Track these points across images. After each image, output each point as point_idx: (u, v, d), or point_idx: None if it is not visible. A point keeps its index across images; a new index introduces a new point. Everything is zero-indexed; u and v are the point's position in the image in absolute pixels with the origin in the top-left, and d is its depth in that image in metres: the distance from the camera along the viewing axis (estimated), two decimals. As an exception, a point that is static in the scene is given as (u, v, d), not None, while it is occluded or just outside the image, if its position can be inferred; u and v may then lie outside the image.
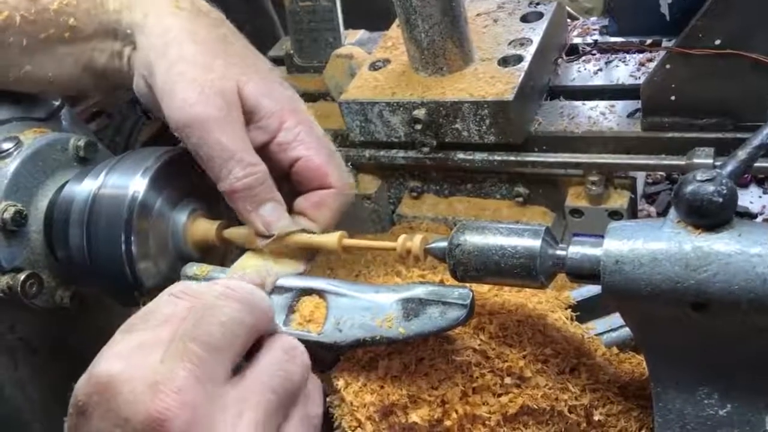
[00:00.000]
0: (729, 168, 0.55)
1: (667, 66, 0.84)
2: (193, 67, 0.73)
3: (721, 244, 0.53)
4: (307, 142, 0.77)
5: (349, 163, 1.06)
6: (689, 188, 0.53)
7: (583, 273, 0.60)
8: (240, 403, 0.55)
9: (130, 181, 0.73)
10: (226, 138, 0.71)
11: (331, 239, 0.72)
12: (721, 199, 0.53)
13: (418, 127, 0.96)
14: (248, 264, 0.74)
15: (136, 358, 0.55)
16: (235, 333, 0.57)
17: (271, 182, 0.73)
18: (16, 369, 0.83)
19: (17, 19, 0.77)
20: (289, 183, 0.78)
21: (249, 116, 0.74)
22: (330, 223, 0.78)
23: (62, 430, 0.89)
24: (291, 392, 0.59)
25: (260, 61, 0.80)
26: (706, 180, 0.53)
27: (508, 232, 0.63)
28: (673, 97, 0.86)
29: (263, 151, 0.75)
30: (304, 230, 0.75)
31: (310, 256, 0.76)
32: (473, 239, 0.63)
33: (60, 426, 0.89)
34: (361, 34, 1.23)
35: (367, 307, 0.66)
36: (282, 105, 0.76)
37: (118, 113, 1.43)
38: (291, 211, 0.76)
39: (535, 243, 0.61)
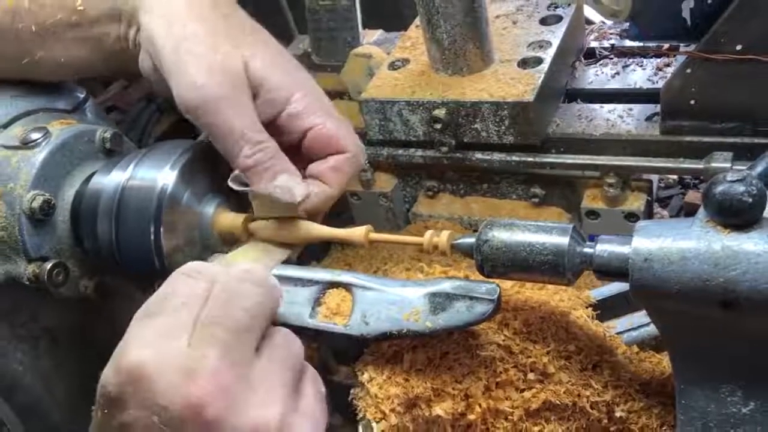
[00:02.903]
0: (759, 169, 0.56)
1: (688, 70, 0.85)
2: (199, 45, 0.73)
3: (751, 243, 0.54)
4: (318, 111, 0.78)
5: (366, 161, 1.07)
6: (720, 188, 0.54)
7: (610, 270, 0.61)
8: (265, 383, 0.57)
9: (158, 174, 0.73)
10: (234, 118, 0.72)
11: (358, 233, 0.73)
12: (750, 199, 0.54)
13: (438, 126, 0.97)
14: (244, 255, 0.76)
15: (162, 344, 0.56)
16: (257, 316, 0.60)
17: (282, 155, 0.74)
18: (38, 358, 0.84)
19: (25, 3, 0.78)
20: (300, 154, 0.79)
21: (256, 91, 0.75)
22: (344, 187, 0.80)
23: (82, 419, 0.90)
24: (298, 370, 0.61)
25: (264, 36, 0.80)
26: (737, 180, 0.54)
27: (536, 229, 0.63)
28: (692, 101, 0.87)
29: (273, 124, 0.76)
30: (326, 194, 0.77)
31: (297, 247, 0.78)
32: (501, 235, 0.64)
33: (80, 415, 0.90)
34: (378, 34, 1.24)
35: (394, 301, 0.67)
36: (289, 77, 0.77)
37: (132, 108, 1.44)
38: (304, 177, 0.78)
39: (564, 240, 0.62)
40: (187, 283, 0.61)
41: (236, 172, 0.75)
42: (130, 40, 0.80)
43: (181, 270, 0.63)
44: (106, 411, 0.57)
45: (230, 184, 0.75)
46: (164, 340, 0.57)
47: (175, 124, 1.43)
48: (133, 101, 1.44)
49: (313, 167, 0.79)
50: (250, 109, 0.74)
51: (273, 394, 0.57)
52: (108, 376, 0.57)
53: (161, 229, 0.72)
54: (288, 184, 0.74)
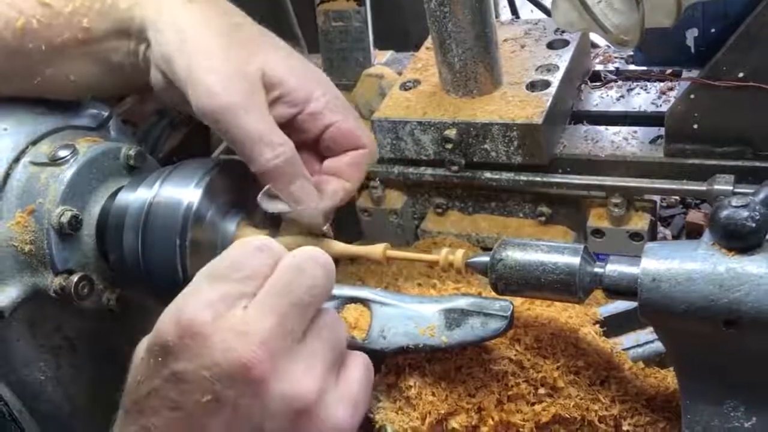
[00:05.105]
0: (762, 195, 0.59)
1: (691, 96, 0.89)
2: (212, 57, 0.76)
3: (754, 266, 0.57)
4: (336, 109, 0.81)
5: (377, 179, 1.10)
6: (725, 213, 0.57)
7: (620, 290, 0.63)
8: (309, 358, 0.61)
9: (184, 192, 0.76)
10: (252, 122, 0.75)
11: (376, 250, 0.76)
12: (754, 224, 0.57)
13: (449, 146, 1.00)
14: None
15: (223, 309, 0.60)
16: (316, 296, 0.63)
17: (298, 159, 0.77)
18: (59, 368, 0.86)
19: (34, 24, 0.80)
20: (317, 149, 0.82)
21: (276, 93, 0.78)
22: (361, 181, 0.83)
23: (101, 427, 0.93)
24: (341, 352, 0.65)
25: (276, 40, 0.83)
26: (741, 206, 0.57)
27: (548, 249, 0.66)
28: (695, 126, 0.90)
29: (292, 122, 0.79)
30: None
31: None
32: (515, 255, 0.67)
33: (99, 423, 0.92)
34: (389, 54, 1.27)
35: (411, 316, 0.70)
36: (306, 78, 0.80)
37: (144, 123, 1.46)
38: (321, 173, 0.81)
39: (575, 260, 0.65)
40: (257, 257, 0.64)
41: (264, 189, 0.77)
42: (140, 56, 0.82)
43: (252, 242, 0.66)
44: (160, 359, 0.60)
45: (260, 202, 0.77)
46: (226, 306, 0.60)
47: (186, 139, 1.46)
48: (145, 115, 1.46)
49: (331, 164, 0.82)
50: (267, 112, 0.76)
51: (314, 370, 0.61)
52: (166, 325, 0.60)
53: (186, 245, 0.75)
54: (303, 190, 0.77)
